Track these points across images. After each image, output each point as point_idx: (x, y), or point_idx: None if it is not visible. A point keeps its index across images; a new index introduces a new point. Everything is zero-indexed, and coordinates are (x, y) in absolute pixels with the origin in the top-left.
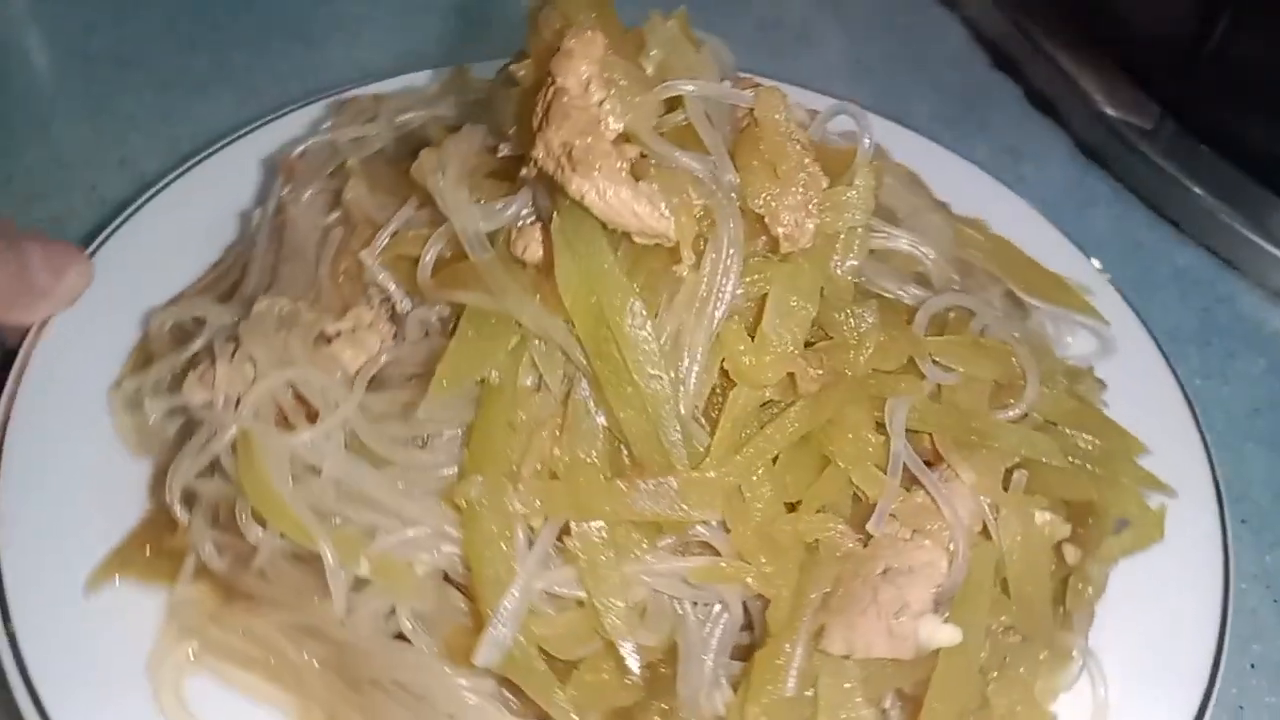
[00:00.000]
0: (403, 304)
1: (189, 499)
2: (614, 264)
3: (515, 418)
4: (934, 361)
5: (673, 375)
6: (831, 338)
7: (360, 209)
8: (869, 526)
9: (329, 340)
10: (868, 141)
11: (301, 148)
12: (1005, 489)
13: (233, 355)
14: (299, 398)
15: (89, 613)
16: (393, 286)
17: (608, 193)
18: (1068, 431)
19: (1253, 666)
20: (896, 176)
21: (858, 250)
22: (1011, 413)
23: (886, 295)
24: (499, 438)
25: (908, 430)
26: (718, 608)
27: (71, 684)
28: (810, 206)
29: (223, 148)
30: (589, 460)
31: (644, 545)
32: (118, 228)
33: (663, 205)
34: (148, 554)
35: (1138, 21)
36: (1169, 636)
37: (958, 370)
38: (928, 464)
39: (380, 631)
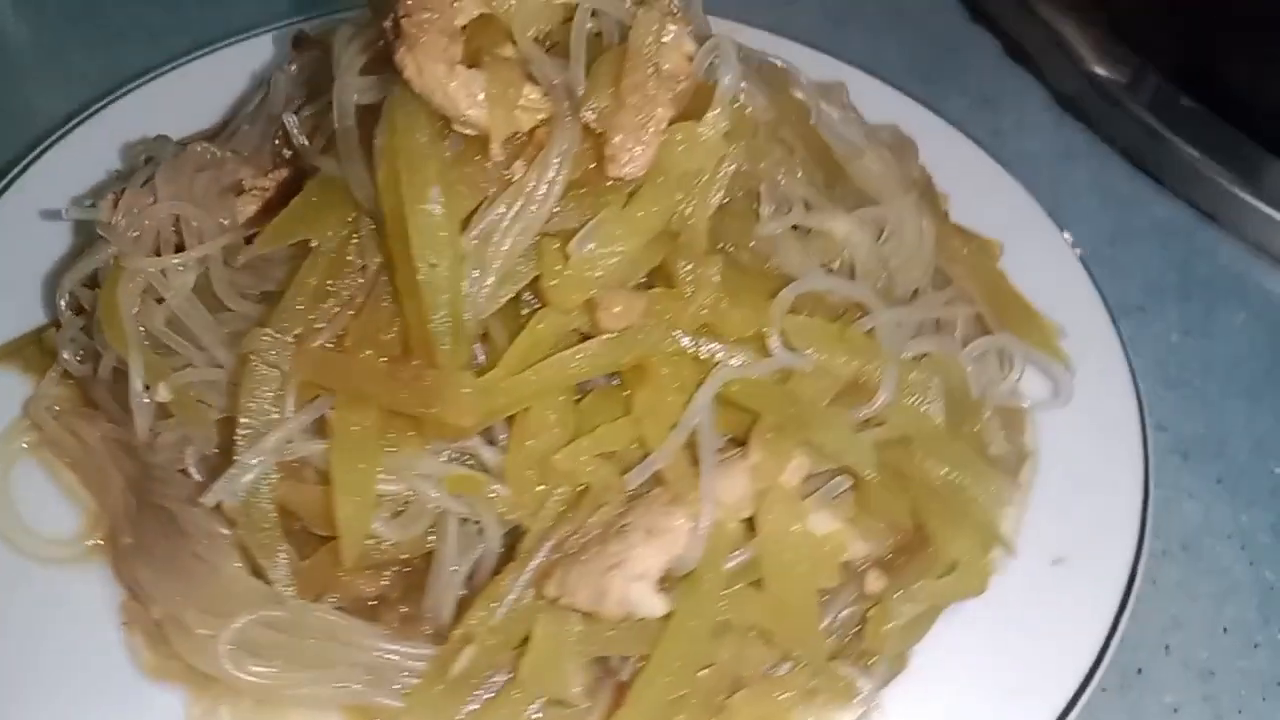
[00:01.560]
0: None
1: (76, 306)
2: (427, 145)
3: (326, 285)
4: (786, 344)
5: (450, 267)
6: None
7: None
8: (627, 476)
9: (240, 192)
10: (729, 79)
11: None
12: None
13: (143, 184)
14: (179, 233)
15: None
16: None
17: (425, 68)
18: (918, 455)
19: (1225, 630)
20: (885, 152)
21: (714, 199)
22: (852, 415)
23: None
24: (304, 299)
25: (737, 406)
26: (478, 529)
27: None
28: (646, 133)
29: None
30: (384, 339)
31: (414, 442)
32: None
33: (479, 94)
34: (39, 351)
35: None
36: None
37: (809, 355)
38: (740, 443)
39: (174, 463)
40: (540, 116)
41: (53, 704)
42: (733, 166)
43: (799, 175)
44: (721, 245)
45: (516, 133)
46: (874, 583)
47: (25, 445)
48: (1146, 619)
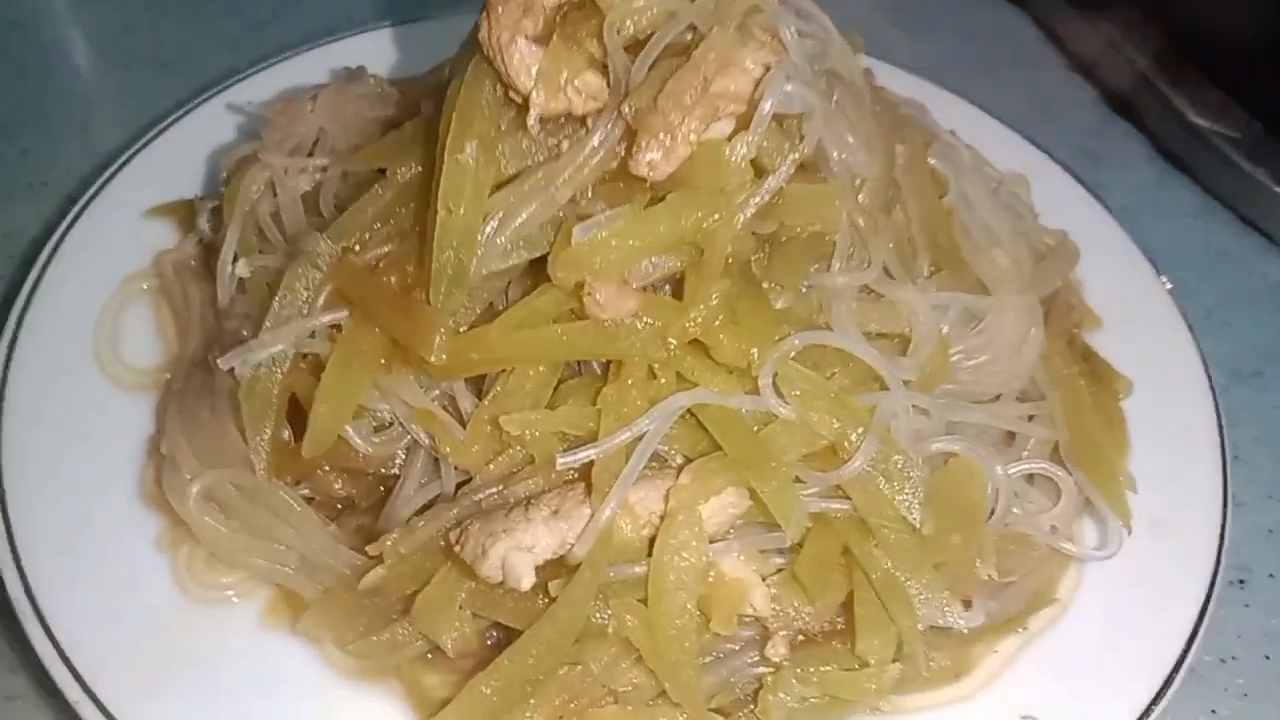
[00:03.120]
0: None
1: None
2: (484, 104)
3: (386, 212)
4: (775, 387)
5: (467, 217)
6: None
7: None
8: (559, 458)
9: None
10: (769, 104)
11: None
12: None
13: (312, 95)
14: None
15: None
16: None
17: (495, 34)
18: (870, 542)
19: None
20: (1024, 253)
21: (738, 222)
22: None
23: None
24: (362, 219)
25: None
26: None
27: None
28: (673, 140)
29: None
30: (409, 269)
31: (407, 370)
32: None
33: (533, 68)
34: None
35: (1221, 22)
36: None
37: (792, 404)
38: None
39: (238, 331)
40: (595, 105)
41: (58, 486)
42: (762, 197)
43: (888, 241)
44: (770, 281)
45: (569, 113)
46: (775, 649)
47: (145, 288)
48: None
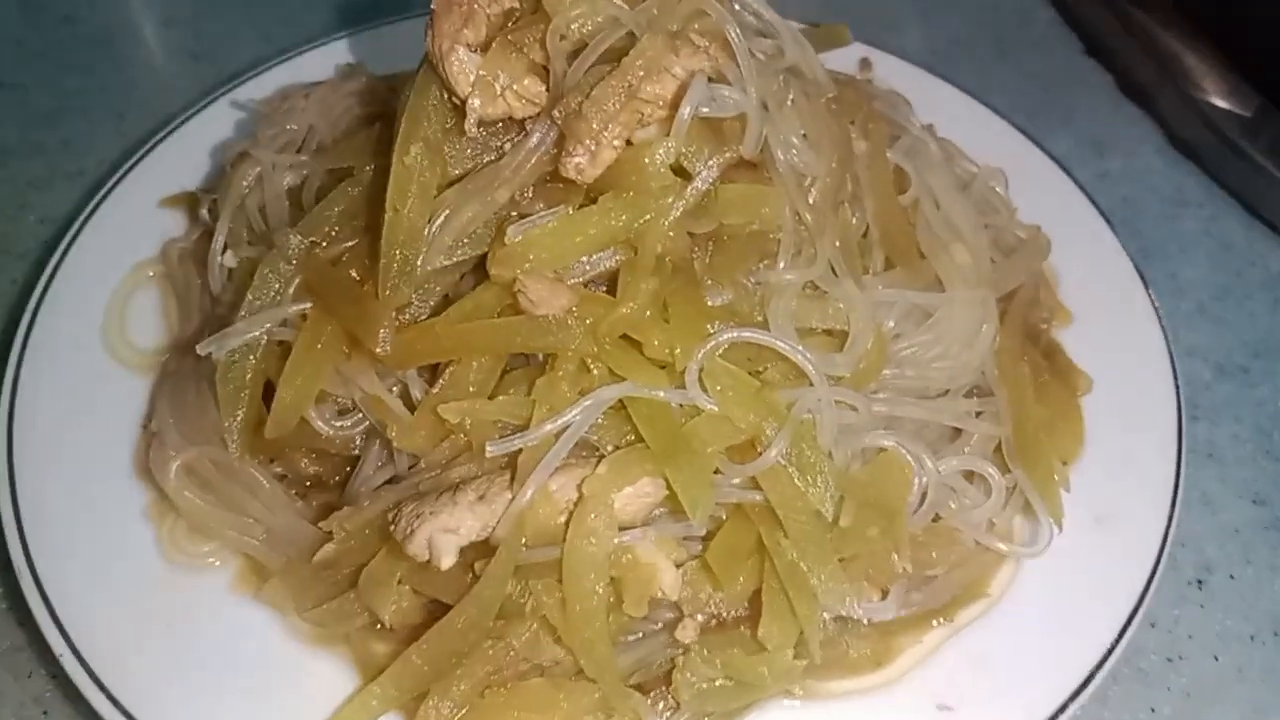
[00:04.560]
0: None
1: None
2: (430, 109)
3: (351, 208)
4: (700, 381)
5: (411, 216)
6: None
7: None
8: (488, 445)
9: (374, 120)
10: (688, 110)
11: None
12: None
13: (307, 91)
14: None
15: None
16: None
17: (437, 43)
18: (778, 532)
19: None
20: (985, 250)
21: (666, 222)
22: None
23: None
24: (330, 214)
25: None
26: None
27: None
28: (597, 144)
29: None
30: (369, 264)
31: (366, 360)
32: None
33: (471, 75)
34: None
35: (1242, 2)
36: None
37: (713, 398)
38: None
39: (227, 317)
40: (534, 109)
41: (60, 455)
42: (687, 200)
43: (835, 239)
44: (710, 278)
45: (509, 118)
46: (685, 632)
47: (151, 274)
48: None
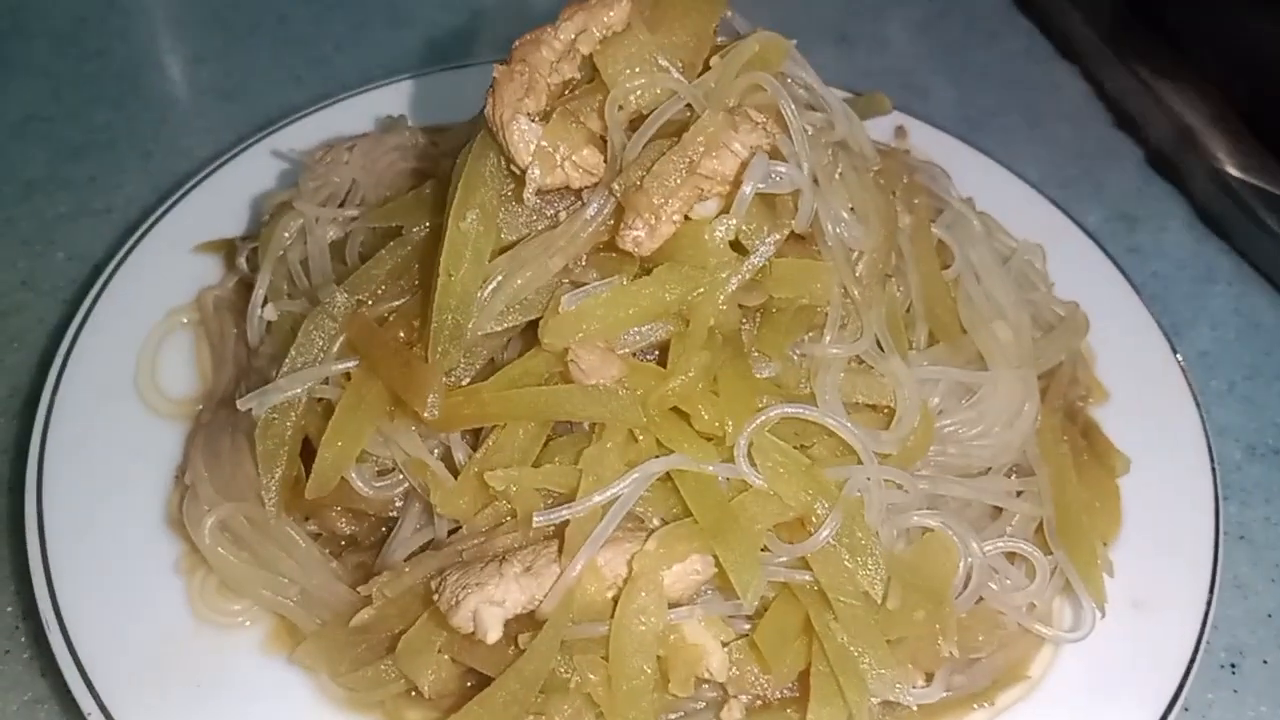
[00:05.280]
0: None
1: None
2: (488, 175)
3: (400, 267)
4: (749, 457)
5: (465, 281)
6: None
7: None
8: (535, 516)
9: (421, 177)
10: (749, 188)
11: None
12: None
13: (350, 144)
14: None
15: None
16: None
17: (498, 111)
18: (829, 614)
19: None
20: (1027, 326)
21: (722, 296)
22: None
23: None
24: (378, 273)
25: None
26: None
27: None
28: (657, 219)
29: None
30: (415, 324)
31: (409, 421)
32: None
33: (531, 144)
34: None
35: (1270, 80)
36: None
37: (764, 474)
38: None
39: (266, 371)
40: (592, 179)
41: (91, 504)
42: (743, 275)
43: (880, 314)
44: (758, 350)
45: (565, 187)
46: (730, 713)
47: (185, 321)
48: None
